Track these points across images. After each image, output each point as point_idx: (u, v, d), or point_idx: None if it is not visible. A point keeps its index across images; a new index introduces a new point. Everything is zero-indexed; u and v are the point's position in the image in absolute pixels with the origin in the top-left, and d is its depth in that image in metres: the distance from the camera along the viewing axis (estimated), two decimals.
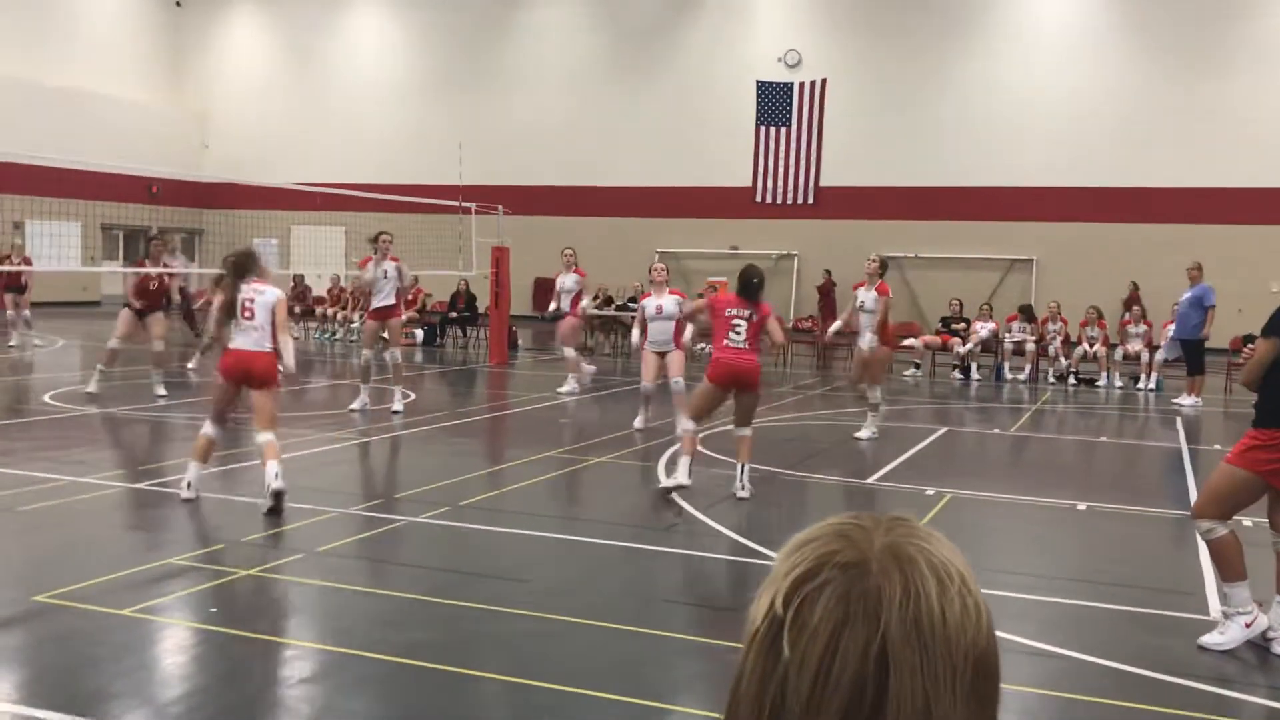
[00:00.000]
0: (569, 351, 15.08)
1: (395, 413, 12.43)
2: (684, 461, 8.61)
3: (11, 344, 18.13)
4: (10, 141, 24.55)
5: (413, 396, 13.68)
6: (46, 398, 12.88)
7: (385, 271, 13.01)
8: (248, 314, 8.06)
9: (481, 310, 21.50)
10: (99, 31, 32.63)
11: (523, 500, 8.46)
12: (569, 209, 29.97)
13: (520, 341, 22.05)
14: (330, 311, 23.18)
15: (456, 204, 21.18)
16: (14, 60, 29.77)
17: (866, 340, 11.86)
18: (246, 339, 8.03)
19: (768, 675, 0.84)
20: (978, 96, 26.85)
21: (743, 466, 8.54)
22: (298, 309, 23.39)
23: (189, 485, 7.87)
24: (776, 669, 0.84)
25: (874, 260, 12.02)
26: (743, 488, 8.47)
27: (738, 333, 8.53)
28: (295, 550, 6.73)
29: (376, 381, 13.10)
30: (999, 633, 0.89)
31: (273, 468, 7.65)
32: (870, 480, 9.62)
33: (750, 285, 8.63)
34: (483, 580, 6.27)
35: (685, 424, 8.81)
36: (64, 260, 26.24)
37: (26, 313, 18.94)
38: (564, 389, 14.90)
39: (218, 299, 8.86)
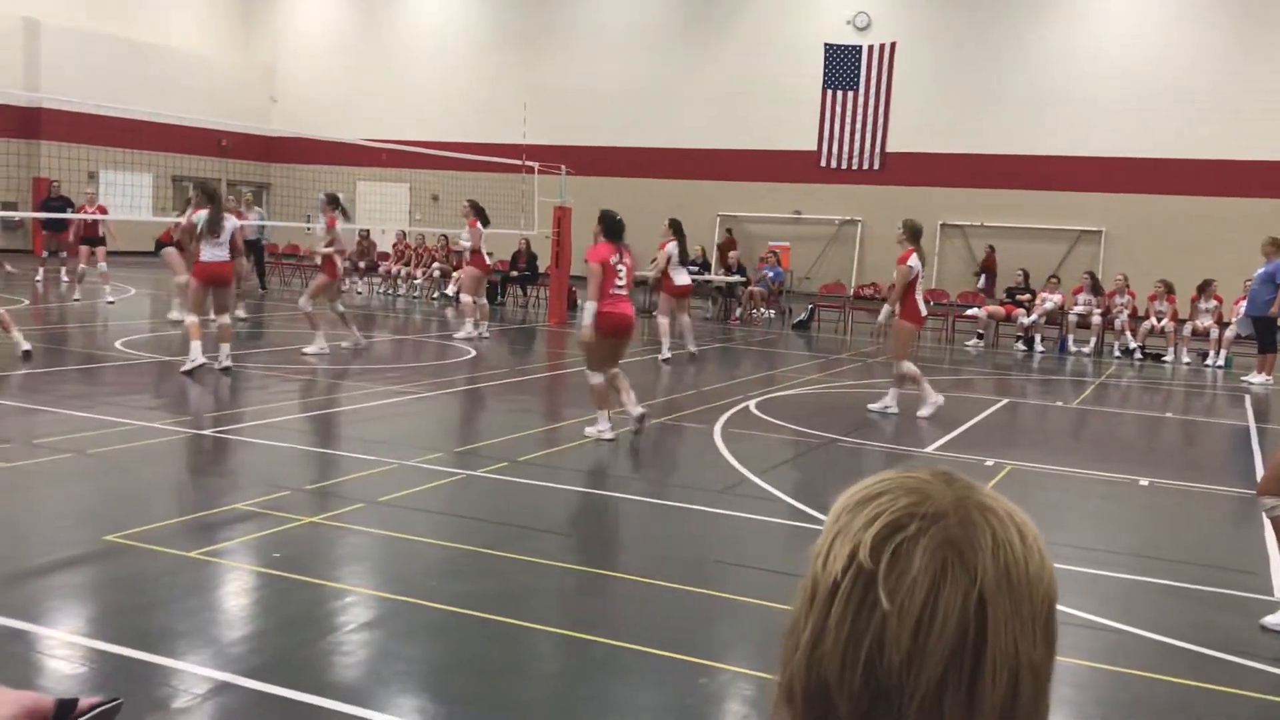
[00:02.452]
0: (465, 298, 15.84)
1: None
2: (603, 414, 8.96)
3: (110, 300, 18.03)
4: (85, 93, 24.99)
5: (473, 354, 13.81)
6: (118, 344, 13.18)
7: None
8: (217, 234, 11.18)
9: (542, 270, 21.58)
10: None
11: (580, 458, 8.52)
12: (632, 170, 29.90)
13: (580, 301, 22.10)
14: (395, 269, 23.36)
15: (519, 163, 21.23)
16: (88, 13, 30.25)
17: (883, 313, 11.38)
18: (216, 251, 11.16)
19: (860, 628, 0.84)
20: (1049, 64, 26.29)
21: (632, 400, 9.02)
22: (362, 264, 23.63)
23: (193, 359, 10.84)
24: (871, 621, 0.83)
25: (899, 228, 11.14)
26: (640, 421, 9.00)
27: (622, 280, 8.90)
28: (357, 499, 6.85)
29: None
30: (1057, 605, 0.90)
31: (225, 349, 11.23)
32: (929, 449, 9.56)
33: (621, 228, 9.00)
34: (539, 535, 6.34)
35: (596, 378, 9.02)
36: (135, 210, 26.78)
37: (103, 265, 18.27)
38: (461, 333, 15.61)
39: (187, 217, 11.77)
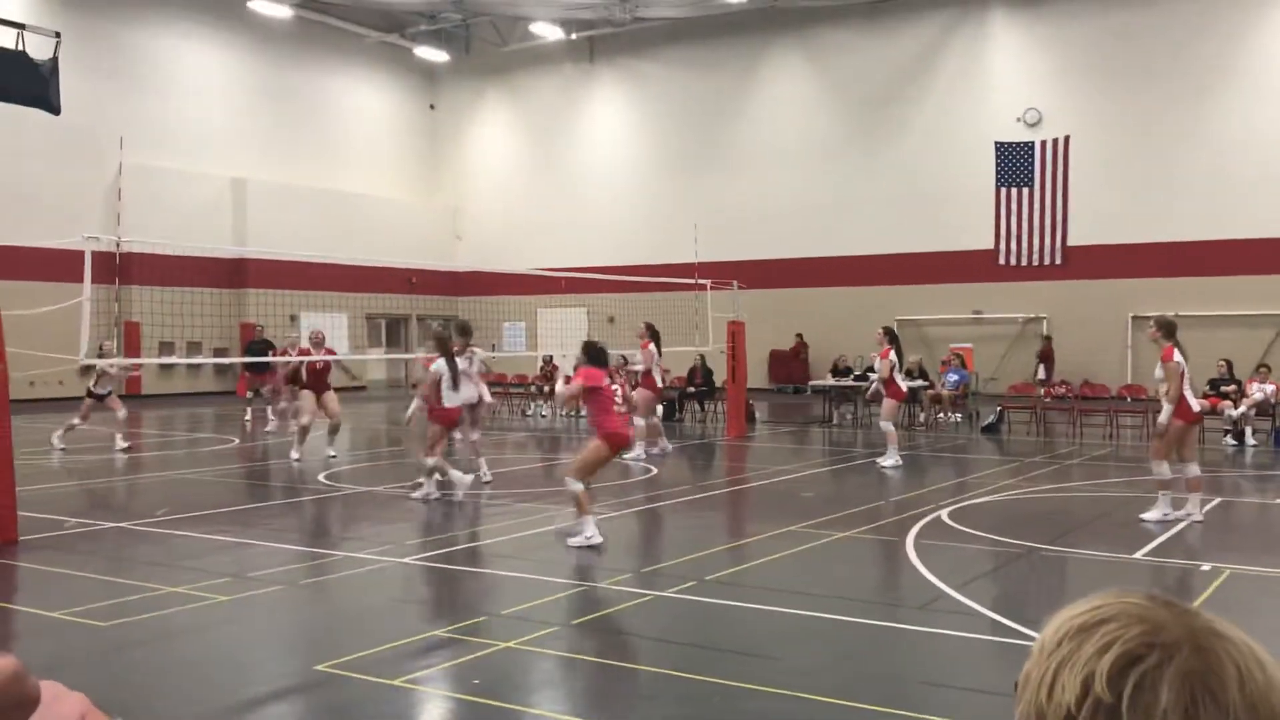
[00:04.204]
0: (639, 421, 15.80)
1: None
2: (590, 520, 9.35)
3: (269, 429, 19.23)
4: (286, 243, 26.84)
5: (655, 471, 13.90)
6: (320, 478, 13.82)
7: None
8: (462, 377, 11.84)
9: (719, 384, 21.68)
10: (364, 138, 35.42)
11: (769, 575, 8.40)
12: (805, 280, 29.99)
13: (757, 415, 22.05)
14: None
15: (692, 281, 21.57)
16: (288, 169, 32.64)
17: (1164, 413, 10.55)
18: (455, 397, 11.84)
19: None
20: (1233, 144, 25.26)
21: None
22: (545, 388, 24.21)
23: (430, 491, 11.65)
24: None
25: (1151, 325, 10.94)
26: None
27: (618, 399, 9.65)
28: (550, 623, 6.92)
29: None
30: None
31: (483, 463, 12.53)
32: (1137, 555, 9.04)
33: (604, 355, 9.80)
34: (732, 657, 6.26)
35: (577, 484, 9.44)
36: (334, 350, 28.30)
37: (284, 404, 19.32)
38: (645, 451, 15.69)
39: (432, 366, 12.05)
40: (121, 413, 16.58)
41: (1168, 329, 10.59)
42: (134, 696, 5.52)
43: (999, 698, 5.48)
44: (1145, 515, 10.43)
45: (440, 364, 11.94)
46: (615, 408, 9.55)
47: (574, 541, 9.28)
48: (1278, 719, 0.82)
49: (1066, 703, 0.84)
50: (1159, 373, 10.61)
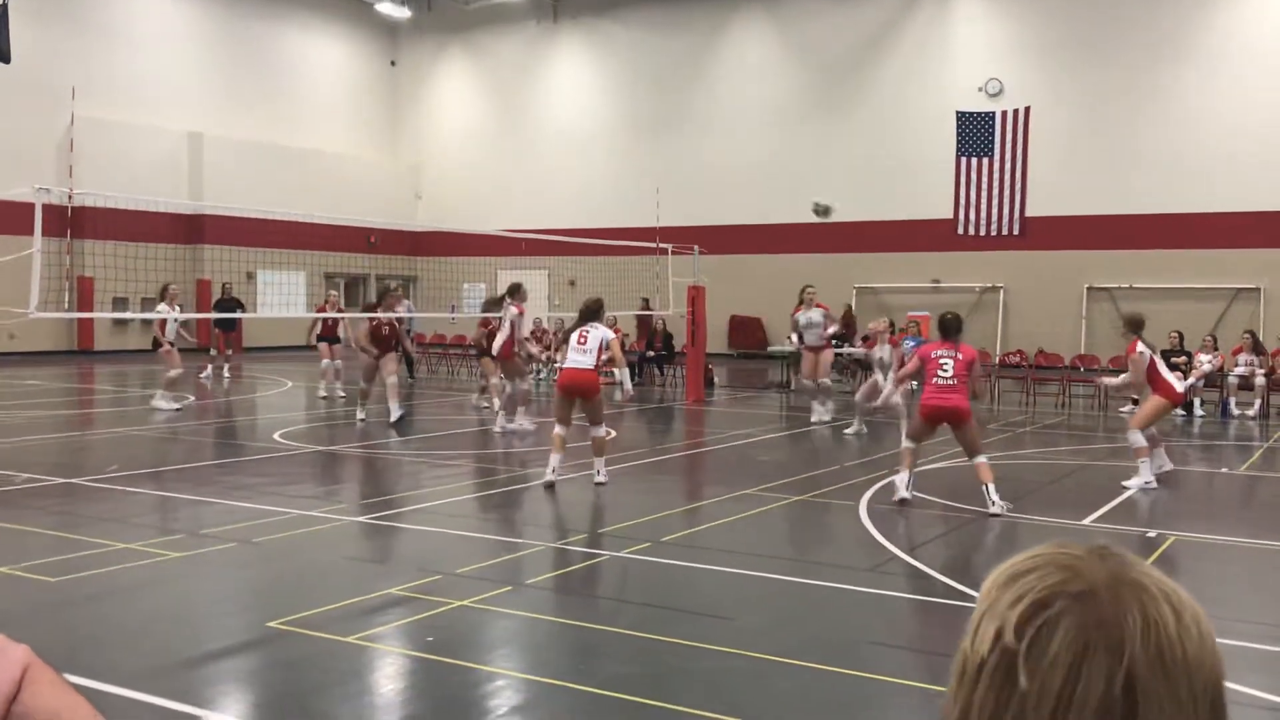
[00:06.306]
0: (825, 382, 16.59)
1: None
2: (904, 476, 9.62)
3: (322, 395, 18.39)
4: (243, 198, 26.46)
5: (614, 434, 13.92)
6: (276, 436, 13.73)
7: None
8: (582, 341, 10.42)
9: (679, 349, 21.72)
10: (323, 94, 34.89)
11: (723, 537, 8.48)
12: (765, 246, 30.01)
13: (716, 379, 22.13)
14: (536, 351, 23.74)
15: (653, 245, 21.54)
16: (246, 124, 32.12)
17: (1108, 382, 12.01)
18: (575, 358, 10.42)
19: (1001, 708, 0.83)
20: (1190, 119, 25.48)
21: (987, 486, 9.30)
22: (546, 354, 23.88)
23: (553, 471, 10.21)
24: (1011, 701, 0.83)
25: (1120, 323, 11.77)
26: (994, 503, 9.21)
27: (947, 371, 9.36)
28: (504, 582, 6.95)
29: None
30: (1232, 685, 0.87)
31: (599, 463, 10.46)
32: (1085, 522, 9.21)
33: (953, 326, 9.62)
34: (685, 616, 6.32)
35: (906, 442, 9.92)
36: (291, 308, 28.09)
37: (338, 363, 18.58)
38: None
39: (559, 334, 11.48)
40: (173, 371, 16.41)
41: (1132, 325, 11.20)
42: (83, 651, 5.49)
43: (945, 658, 5.57)
44: (1128, 483, 10.67)
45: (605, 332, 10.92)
46: (936, 379, 9.40)
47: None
48: (1190, 667, 0.82)
49: (983, 651, 0.86)
50: (1132, 366, 11.18)
